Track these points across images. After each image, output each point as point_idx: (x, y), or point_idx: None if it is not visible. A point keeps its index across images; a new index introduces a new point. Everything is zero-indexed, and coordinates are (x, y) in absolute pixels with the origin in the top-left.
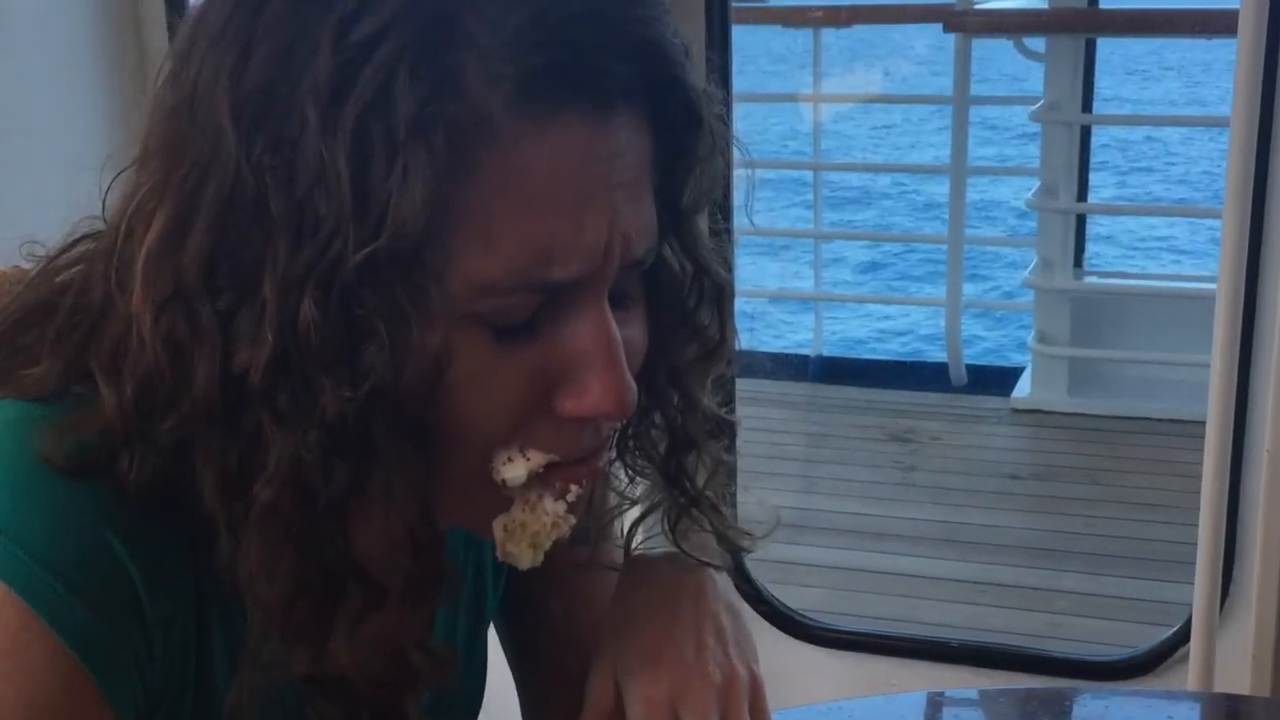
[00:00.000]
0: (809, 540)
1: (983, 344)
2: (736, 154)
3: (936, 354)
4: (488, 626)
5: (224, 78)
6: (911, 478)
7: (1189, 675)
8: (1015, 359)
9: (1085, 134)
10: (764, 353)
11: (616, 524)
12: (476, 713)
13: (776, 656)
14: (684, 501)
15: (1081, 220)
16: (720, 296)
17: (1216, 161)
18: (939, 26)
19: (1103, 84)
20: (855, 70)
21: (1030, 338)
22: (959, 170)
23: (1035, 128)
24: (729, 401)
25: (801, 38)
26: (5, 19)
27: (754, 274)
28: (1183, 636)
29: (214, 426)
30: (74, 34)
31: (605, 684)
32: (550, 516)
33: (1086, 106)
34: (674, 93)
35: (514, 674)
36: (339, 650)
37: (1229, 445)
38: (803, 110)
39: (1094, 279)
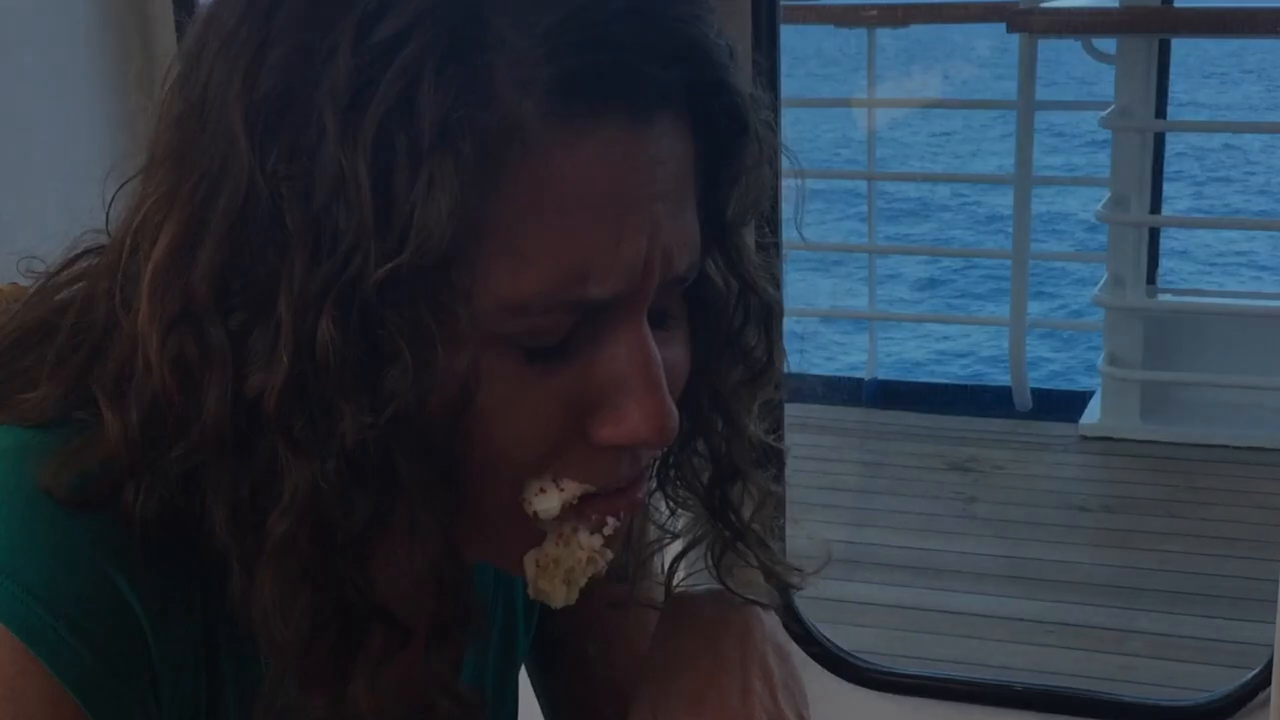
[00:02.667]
0: (863, 577)
1: (1049, 366)
2: (785, 163)
3: (999, 377)
4: (518, 669)
5: (237, 81)
6: (973, 510)
7: None
8: (1084, 383)
9: (1159, 141)
10: (815, 376)
11: (656, 559)
12: None
13: (828, 701)
14: (729, 535)
15: (1155, 234)
16: (768, 315)
17: None
18: (1002, 26)
19: (1178, 88)
20: (912, 73)
21: (1100, 360)
22: (1024, 180)
23: (1105, 135)
24: (777, 428)
25: (855, 38)
26: (1, 17)
27: (804, 291)
28: (1263, 679)
29: (225, 455)
30: (75, 34)
31: None
32: (585, 551)
33: (1160, 112)
34: (718, 97)
35: None
36: (360, 695)
37: None
38: (856, 116)
39: (1168, 297)
